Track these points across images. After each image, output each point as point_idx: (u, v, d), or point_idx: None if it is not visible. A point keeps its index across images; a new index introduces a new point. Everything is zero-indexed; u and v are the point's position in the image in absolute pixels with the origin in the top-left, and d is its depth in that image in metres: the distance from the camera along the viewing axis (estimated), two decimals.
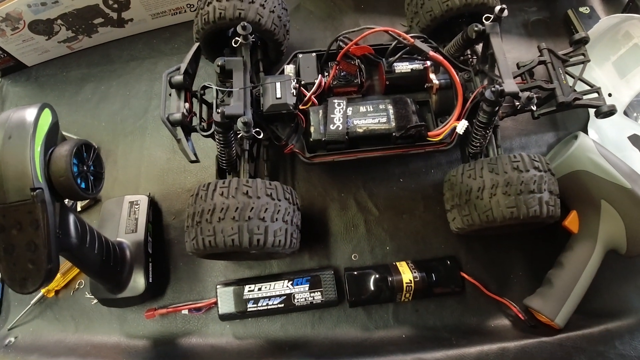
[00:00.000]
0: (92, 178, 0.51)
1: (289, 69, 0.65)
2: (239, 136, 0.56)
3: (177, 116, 0.56)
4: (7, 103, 0.82)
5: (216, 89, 0.61)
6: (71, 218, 0.53)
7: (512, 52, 0.79)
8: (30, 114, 0.49)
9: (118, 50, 0.82)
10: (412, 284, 0.62)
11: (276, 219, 0.53)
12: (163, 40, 0.82)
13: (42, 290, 0.67)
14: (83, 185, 0.49)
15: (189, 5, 0.79)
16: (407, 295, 0.62)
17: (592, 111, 0.74)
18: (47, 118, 0.50)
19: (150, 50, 0.81)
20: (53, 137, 0.50)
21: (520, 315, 0.63)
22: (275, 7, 0.65)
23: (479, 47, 0.64)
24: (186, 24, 0.82)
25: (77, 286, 0.69)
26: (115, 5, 0.75)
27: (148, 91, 0.78)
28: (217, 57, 0.69)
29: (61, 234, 0.50)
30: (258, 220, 0.52)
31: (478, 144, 0.62)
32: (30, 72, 0.83)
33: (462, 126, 0.57)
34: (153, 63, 0.80)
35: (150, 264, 0.65)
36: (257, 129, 0.56)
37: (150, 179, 0.73)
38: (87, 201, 0.71)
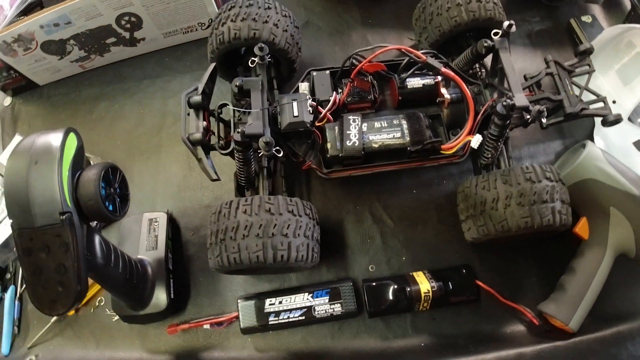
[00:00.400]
0: (118, 200, 0.52)
1: (304, 86, 0.66)
2: (259, 155, 0.57)
3: (198, 136, 0.57)
4: (19, 122, 0.82)
5: (233, 109, 0.62)
6: (97, 239, 0.54)
7: (517, 63, 0.79)
8: (55, 138, 0.49)
9: (130, 68, 0.83)
10: (430, 294, 0.63)
11: (298, 235, 0.54)
12: (175, 58, 0.83)
13: None
14: (111, 208, 0.50)
15: (200, 24, 0.80)
16: (425, 304, 0.64)
17: (597, 119, 0.75)
18: (72, 142, 0.50)
19: (162, 68, 0.82)
20: (79, 161, 0.51)
21: (534, 321, 0.65)
22: (288, 25, 0.66)
23: (487, 60, 0.65)
24: (197, 42, 0.83)
25: (97, 303, 0.69)
26: (128, 25, 0.76)
27: (162, 109, 0.79)
28: (230, 74, 0.70)
29: (89, 255, 0.51)
30: (281, 236, 0.53)
31: (490, 156, 0.63)
32: (42, 91, 0.84)
33: (476, 141, 0.59)
34: (166, 81, 0.81)
35: (171, 280, 0.66)
36: (277, 147, 0.57)
37: (167, 196, 0.73)
38: None
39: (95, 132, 0.79)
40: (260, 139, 0.54)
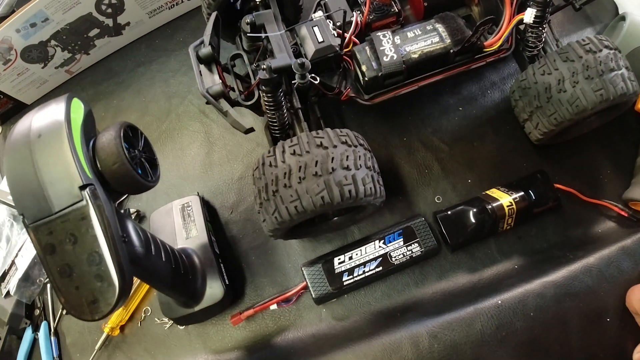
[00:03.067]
0: (147, 164, 0.40)
1: (318, 15, 0.55)
2: (294, 86, 0.46)
3: (218, 87, 0.46)
4: None
5: (246, 57, 0.51)
6: (130, 224, 0.42)
7: None
8: (57, 106, 0.38)
9: (120, 61, 0.71)
10: (514, 206, 0.52)
11: (360, 166, 0.43)
12: (165, 38, 0.71)
13: (106, 330, 0.55)
14: (140, 172, 0.38)
15: None
16: (510, 220, 0.53)
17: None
18: (78, 107, 0.39)
19: (154, 51, 0.71)
20: (91, 126, 0.39)
21: (623, 213, 0.55)
22: None
23: None
24: (186, 16, 0.72)
25: (143, 315, 0.56)
26: (109, 10, 0.64)
27: (165, 91, 0.67)
28: (230, 35, 0.60)
29: (126, 238, 0.39)
30: (342, 170, 0.42)
31: (535, 45, 0.54)
32: None
33: (529, 15, 0.49)
34: (161, 63, 0.70)
35: (222, 265, 0.54)
36: (313, 75, 0.46)
37: (194, 179, 0.62)
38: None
39: None
40: (293, 63, 0.43)
